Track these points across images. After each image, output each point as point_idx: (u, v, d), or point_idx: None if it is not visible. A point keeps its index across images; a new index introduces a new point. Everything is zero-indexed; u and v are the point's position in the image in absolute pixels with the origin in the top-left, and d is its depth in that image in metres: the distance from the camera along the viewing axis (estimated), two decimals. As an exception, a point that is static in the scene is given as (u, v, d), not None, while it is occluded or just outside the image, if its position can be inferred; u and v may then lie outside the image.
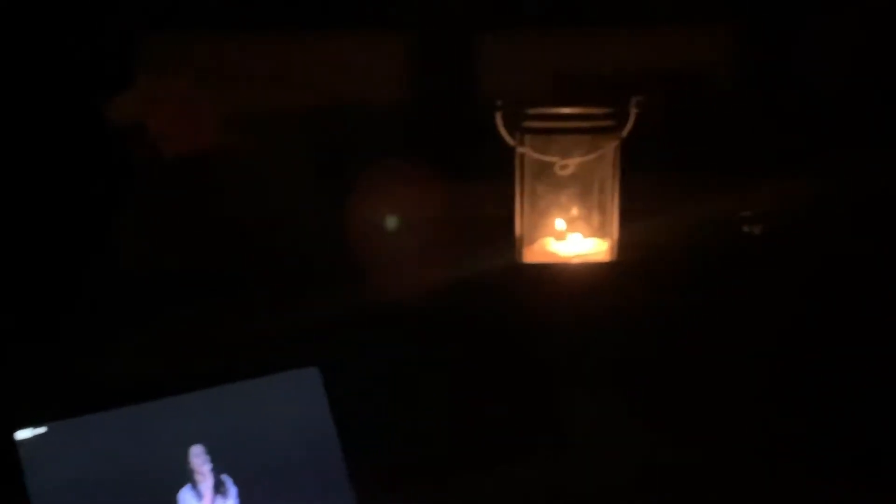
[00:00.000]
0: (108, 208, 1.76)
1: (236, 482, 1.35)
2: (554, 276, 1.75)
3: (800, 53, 1.91)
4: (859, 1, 1.97)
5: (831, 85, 1.88)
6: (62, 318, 1.68)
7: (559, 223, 1.76)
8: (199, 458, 1.33)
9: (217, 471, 1.34)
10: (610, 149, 1.73)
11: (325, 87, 1.88)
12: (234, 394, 1.37)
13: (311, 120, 1.86)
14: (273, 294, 1.73)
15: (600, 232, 1.76)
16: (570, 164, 1.72)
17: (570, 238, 1.77)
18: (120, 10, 1.77)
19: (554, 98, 1.77)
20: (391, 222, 1.79)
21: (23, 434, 1.27)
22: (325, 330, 1.63)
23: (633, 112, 1.72)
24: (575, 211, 1.76)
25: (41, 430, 1.28)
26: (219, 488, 1.34)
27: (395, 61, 1.92)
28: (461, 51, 1.87)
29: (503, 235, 1.75)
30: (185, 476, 1.33)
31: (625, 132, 1.72)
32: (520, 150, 1.72)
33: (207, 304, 1.69)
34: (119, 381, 1.49)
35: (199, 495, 1.33)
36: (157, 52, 1.84)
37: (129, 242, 1.78)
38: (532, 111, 1.73)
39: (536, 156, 1.72)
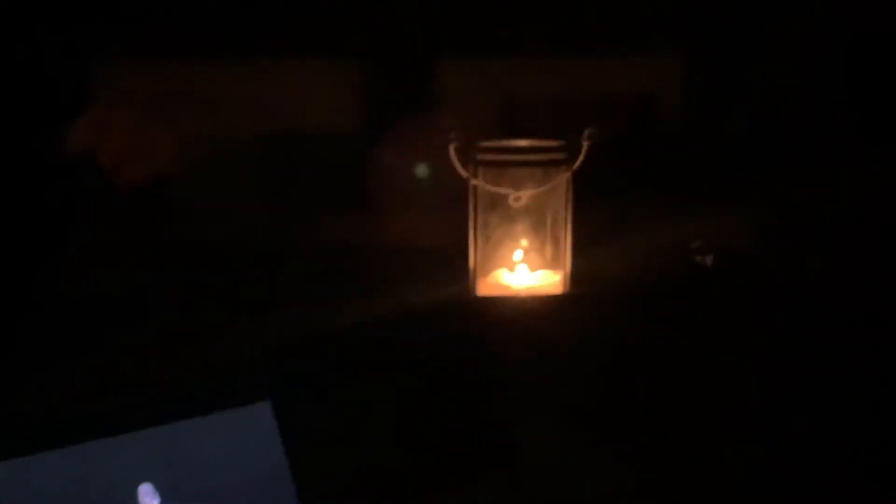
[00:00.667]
0: (55, 234, 1.75)
1: (186, 520, 1.34)
2: (507, 308, 1.76)
3: (749, 81, 1.93)
4: (808, 29, 1.99)
5: (781, 112, 1.90)
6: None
7: (513, 255, 1.77)
8: (147, 497, 1.32)
9: (166, 509, 1.33)
10: (562, 181, 1.74)
11: (279, 114, 1.87)
12: (184, 431, 1.35)
13: (264, 147, 1.85)
14: (224, 324, 1.72)
15: (553, 264, 1.77)
16: (522, 197, 1.73)
17: (524, 270, 1.77)
18: (71, 37, 1.76)
19: (506, 130, 1.78)
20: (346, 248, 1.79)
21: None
22: (277, 362, 1.62)
23: (586, 144, 1.73)
24: (528, 243, 1.76)
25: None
26: (168, 527, 1.33)
27: (348, 89, 1.93)
28: (415, 79, 1.88)
29: (457, 267, 1.76)
30: (134, 516, 1.31)
31: (577, 164, 1.73)
32: (473, 182, 1.73)
33: (156, 334, 1.68)
34: (62, 418, 1.47)
35: (147, 534, 1.31)
36: (109, 79, 1.83)
37: (75, 269, 1.76)
38: (484, 144, 1.74)
39: (489, 188, 1.73)
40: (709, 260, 1.80)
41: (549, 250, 1.77)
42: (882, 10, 1.94)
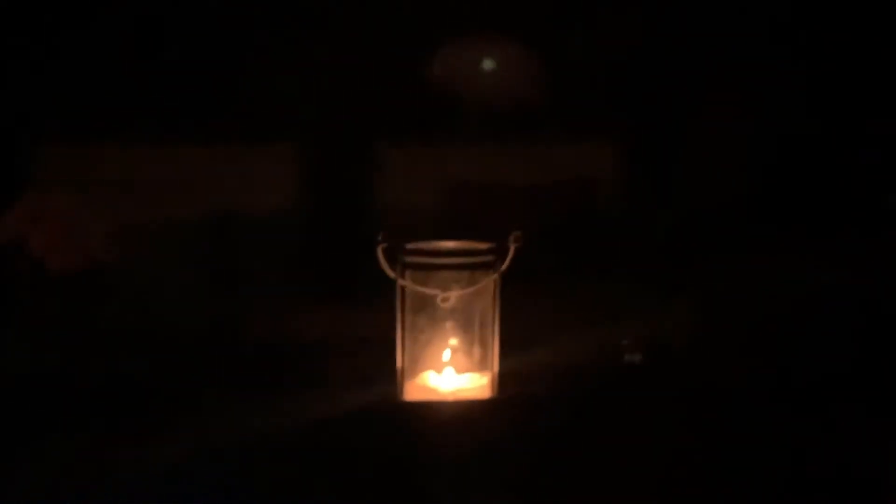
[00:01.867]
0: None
1: None
2: (434, 413, 1.74)
3: (681, 173, 1.97)
4: (741, 122, 2.05)
5: (710, 204, 1.94)
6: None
7: (441, 356, 1.75)
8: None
9: None
10: (490, 282, 1.74)
11: (213, 198, 1.87)
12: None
13: (196, 232, 1.85)
14: (144, 422, 1.67)
15: (481, 366, 1.76)
16: (451, 298, 1.73)
17: (451, 373, 1.76)
18: (2, 122, 1.76)
19: (437, 226, 1.79)
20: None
21: None
22: (198, 462, 1.58)
23: (513, 247, 1.74)
24: (456, 344, 1.76)
25: None
26: None
27: (282, 173, 1.94)
28: (350, 164, 1.89)
29: (384, 366, 1.74)
30: None
31: (504, 266, 1.74)
32: (400, 282, 1.73)
33: (84, 421, 1.63)
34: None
35: None
36: (42, 165, 1.82)
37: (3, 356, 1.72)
38: (412, 246, 1.75)
39: (417, 289, 1.73)
40: (637, 358, 1.81)
41: (477, 352, 1.76)
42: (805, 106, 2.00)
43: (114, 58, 2.29)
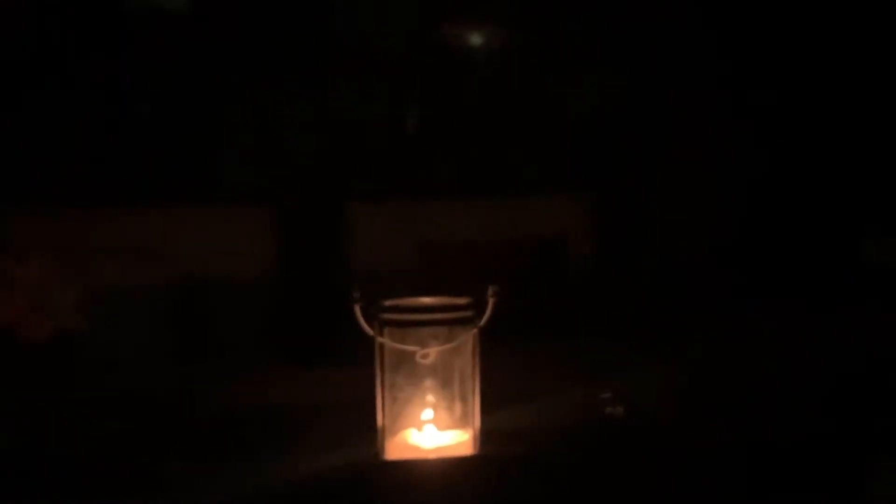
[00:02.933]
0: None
1: None
2: (416, 472, 1.71)
3: (656, 225, 1.98)
4: (715, 170, 2.06)
5: (687, 256, 1.94)
6: None
7: (421, 414, 1.73)
8: None
9: None
10: (469, 337, 1.73)
11: (185, 262, 1.86)
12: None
13: (171, 296, 1.83)
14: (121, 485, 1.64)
15: (462, 422, 1.74)
16: (430, 354, 1.71)
17: (432, 430, 1.74)
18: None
19: (414, 283, 1.77)
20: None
21: None
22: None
23: (491, 301, 1.73)
24: (436, 401, 1.74)
25: None
26: None
27: (257, 236, 1.92)
28: (324, 225, 1.88)
29: (365, 424, 1.71)
30: None
31: (483, 321, 1.73)
32: (379, 340, 1.71)
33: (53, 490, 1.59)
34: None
35: None
36: (11, 233, 1.80)
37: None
38: (390, 303, 1.73)
39: (395, 346, 1.71)
40: (619, 411, 1.79)
41: (457, 408, 1.74)
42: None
43: (83, 124, 2.29)
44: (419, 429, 1.74)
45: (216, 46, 2.46)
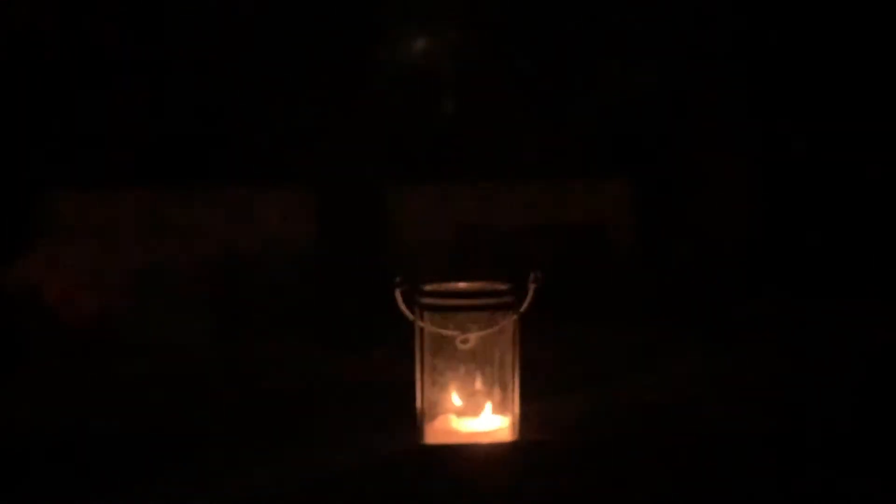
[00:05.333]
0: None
1: None
2: (455, 456, 1.71)
3: (695, 209, 1.96)
4: (756, 156, 2.04)
5: (728, 239, 1.92)
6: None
7: (461, 399, 1.73)
8: None
9: None
10: (509, 323, 1.72)
11: (228, 244, 1.86)
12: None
13: (214, 276, 1.83)
14: (159, 473, 1.64)
15: (502, 408, 1.73)
16: (470, 339, 1.71)
17: (472, 415, 1.73)
18: (17, 174, 1.75)
19: (455, 268, 1.77)
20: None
21: None
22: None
23: (532, 287, 1.72)
24: (476, 387, 1.73)
25: None
26: None
27: (299, 217, 1.92)
28: (364, 207, 1.88)
29: (404, 409, 1.71)
30: None
31: (524, 307, 1.72)
32: (419, 324, 1.71)
33: (100, 472, 1.60)
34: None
35: None
36: (56, 214, 1.80)
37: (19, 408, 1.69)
38: (430, 287, 1.73)
39: (435, 331, 1.71)
40: (656, 399, 1.78)
41: (497, 394, 1.74)
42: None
43: (127, 107, 2.30)
44: (458, 414, 1.73)
45: (257, 27, 2.46)
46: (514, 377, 1.73)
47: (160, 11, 2.45)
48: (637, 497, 1.72)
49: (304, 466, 1.66)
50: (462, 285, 1.75)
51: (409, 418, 1.71)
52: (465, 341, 1.71)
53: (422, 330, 1.71)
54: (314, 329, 1.78)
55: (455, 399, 1.73)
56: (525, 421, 1.73)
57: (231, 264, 1.89)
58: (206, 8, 2.47)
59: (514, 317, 1.72)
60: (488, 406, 1.74)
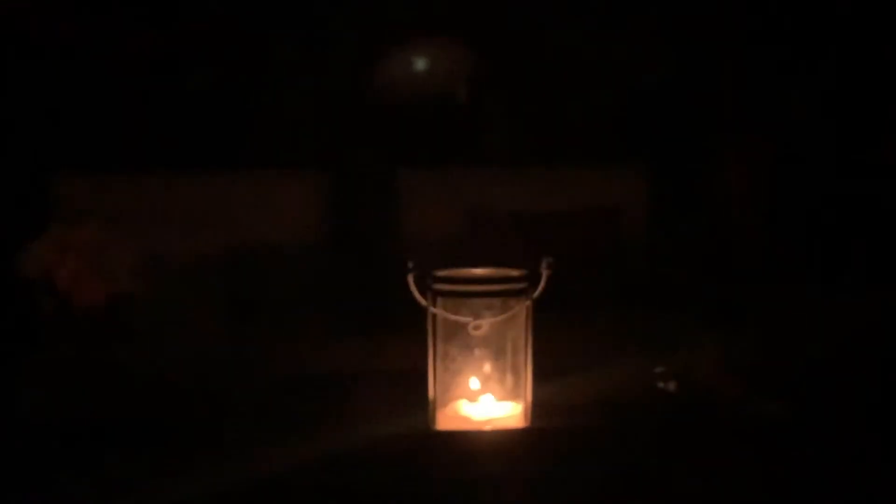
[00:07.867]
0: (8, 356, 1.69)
1: None
2: (468, 442, 1.71)
3: (710, 196, 1.95)
4: (774, 141, 2.03)
5: (741, 227, 1.91)
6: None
7: (473, 385, 1.73)
8: None
9: None
10: (522, 309, 1.71)
11: (239, 229, 1.86)
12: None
13: (225, 262, 1.83)
14: (170, 461, 1.65)
15: (514, 394, 1.73)
16: (483, 325, 1.70)
17: (484, 401, 1.73)
18: (29, 158, 1.75)
19: (467, 254, 1.76)
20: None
21: None
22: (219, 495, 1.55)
23: (545, 273, 1.71)
24: (488, 372, 1.73)
25: None
26: None
27: (311, 202, 1.92)
28: (376, 192, 1.88)
29: (416, 395, 1.71)
30: None
31: (537, 293, 1.71)
32: (431, 310, 1.70)
33: (106, 461, 1.60)
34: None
35: None
36: (68, 198, 1.80)
37: (31, 395, 1.69)
38: (443, 273, 1.72)
39: (449, 317, 1.70)
40: (672, 386, 1.77)
41: (510, 380, 1.73)
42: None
43: (139, 92, 2.30)
44: (471, 400, 1.73)
45: (268, 13, 2.46)
46: (526, 363, 1.72)
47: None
48: (650, 482, 1.72)
49: (317, 451, 1.66)
50: (475, 271, 1.74)
51: (422, 404, 1.71)
52: (477, 327, 1.71)
53: (434, 316, 1.71)
54: (325, 314, 1.78)
55: (471, 383, 1.73)
56: (537, 407, 1.73)
57: (242, 250, 1.89)
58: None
59: (528, 303, 1.71)
60: (500, 392, 1.74)
